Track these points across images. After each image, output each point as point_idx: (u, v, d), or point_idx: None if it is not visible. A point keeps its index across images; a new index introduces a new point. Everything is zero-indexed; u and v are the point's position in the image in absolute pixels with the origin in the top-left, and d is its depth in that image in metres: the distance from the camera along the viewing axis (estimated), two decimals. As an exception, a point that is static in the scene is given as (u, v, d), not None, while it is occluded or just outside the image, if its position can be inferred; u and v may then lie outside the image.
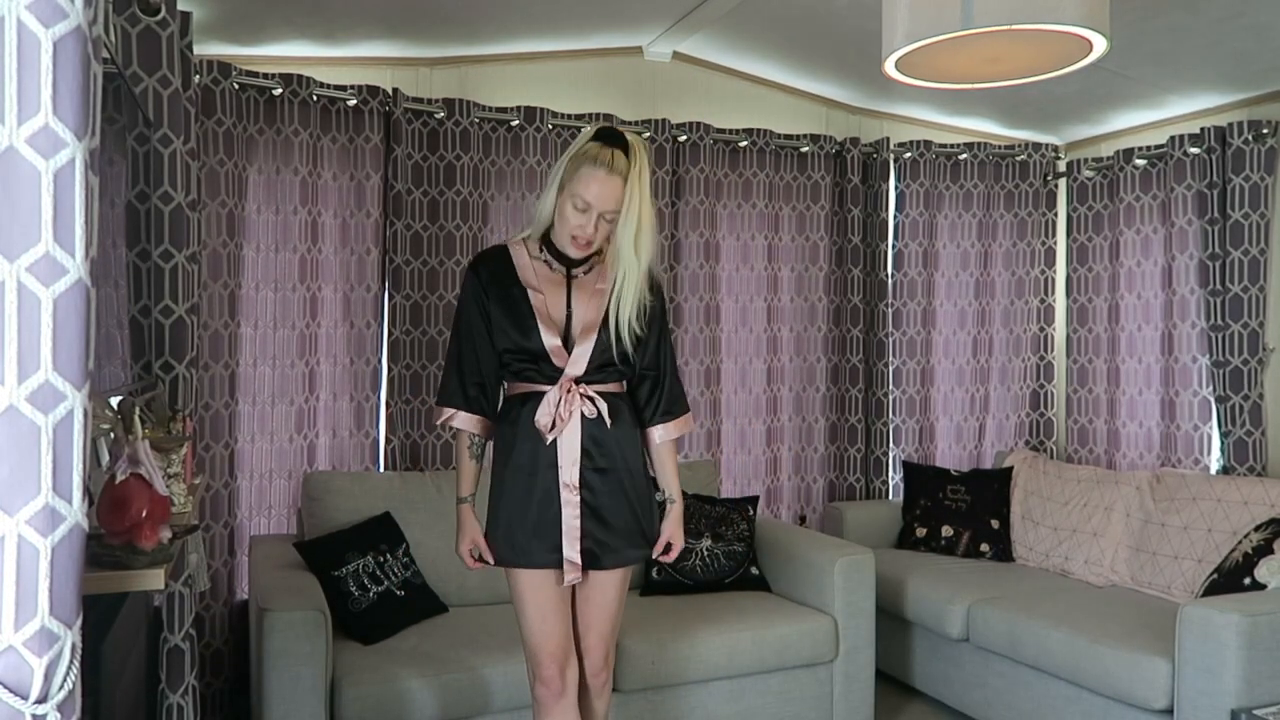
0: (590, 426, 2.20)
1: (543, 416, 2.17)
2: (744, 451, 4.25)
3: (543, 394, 2.19)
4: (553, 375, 2.20)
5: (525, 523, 2.20)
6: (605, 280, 2.25)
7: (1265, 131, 3.60)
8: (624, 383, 2.32)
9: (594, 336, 2.20)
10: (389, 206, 3.56)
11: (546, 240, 2.26)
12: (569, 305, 2.23)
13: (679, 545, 2.35)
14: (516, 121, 3.73)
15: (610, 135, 2.16)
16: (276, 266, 3.45)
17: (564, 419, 2.17)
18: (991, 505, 4.07)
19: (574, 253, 2.21)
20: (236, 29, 3.26)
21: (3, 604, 0.90)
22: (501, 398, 2.34)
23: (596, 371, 2.21)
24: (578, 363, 2.19)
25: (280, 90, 3.37)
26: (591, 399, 2.19)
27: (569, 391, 2.17)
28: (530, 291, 2.22)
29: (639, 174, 2.15)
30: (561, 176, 2.18)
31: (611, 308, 2.21)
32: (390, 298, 3.59)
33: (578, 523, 2.19)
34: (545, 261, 2.26)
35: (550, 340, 2.19)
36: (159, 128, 2.60)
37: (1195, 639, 2.69)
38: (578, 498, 2.19)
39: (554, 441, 2.19)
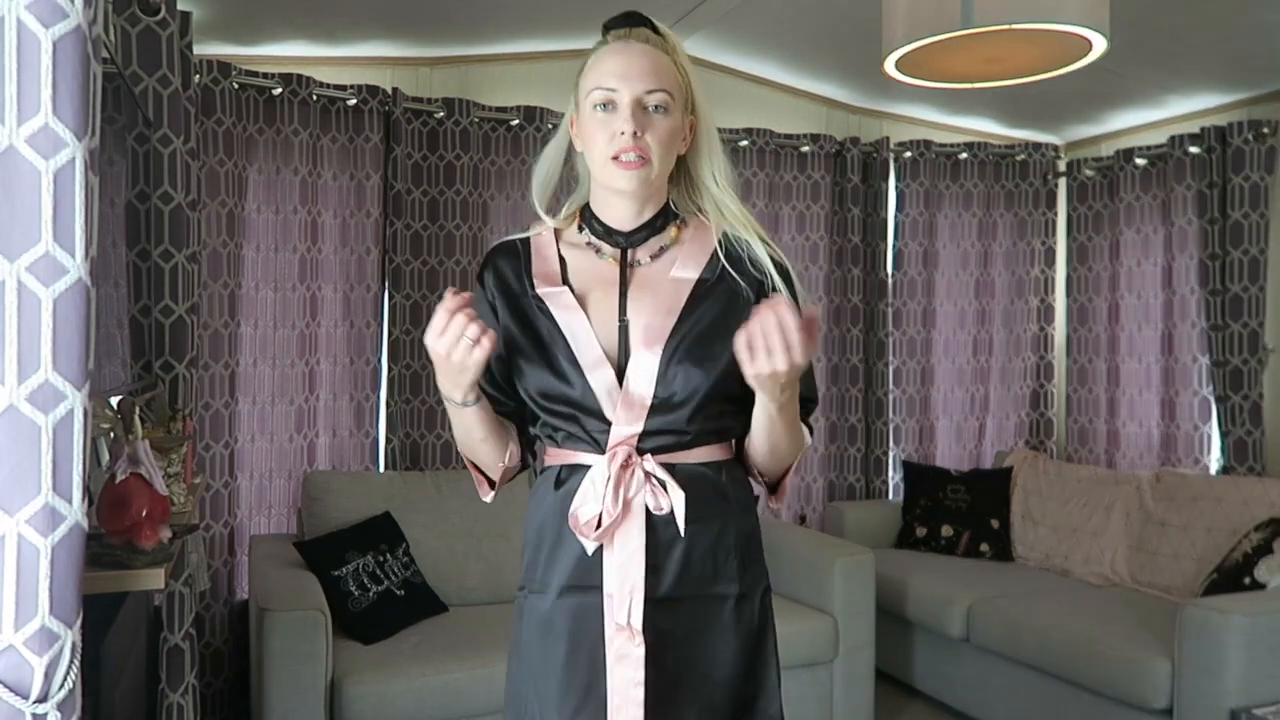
0: (660, 528, 1.33)
1: (583, 506, 1.32)
2: (744, 451, 4.24)
3: (585, 469, 1.35)
4: (600, 436, 1.34)
5: (552, 684, 1.35)
6: (691, 265, 1.39)
7: (1265, 131, 3.60)
8: (731, 443, 1.42)
9: (655, 363, 1.32)
10: (389, 206, 3.56)
11: (589, 216, 1.44)
12: (623, 314, 1.37)
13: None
14: (516, 121, 3.73)
15: (624, 19, 1.39)
16: (276, 266, 3.45)
17: (611, 513, 1.30)
18: (991, 505, 4.07)
19: (626, 184, 1.33)
20: (236, 29, 3.26)
21: (3, 603, 0.90)
22: (535, 461, 1.51)
23: (671, 431, 1.34)
24: (631, 413, 1.32)
25: (280, 90, 3.37)
26: (662, 482, 1.32)
27: (625, 466, 1.31)
28: (554, 298, 1.38)
29: (679, 51, 1.38)
30: (574, 99, 1.41)
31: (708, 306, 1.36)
32: (390, 297, 3.59)
33: (640, 692, 1.29)
34: (590, 245, 1.42)
35: (597, 374, 1.33)
36: (159, 128, 2.60)
37: (1195, 639, 2.69)
38: (640, 649, 1.29)
39: (599, 552, 1.34)
